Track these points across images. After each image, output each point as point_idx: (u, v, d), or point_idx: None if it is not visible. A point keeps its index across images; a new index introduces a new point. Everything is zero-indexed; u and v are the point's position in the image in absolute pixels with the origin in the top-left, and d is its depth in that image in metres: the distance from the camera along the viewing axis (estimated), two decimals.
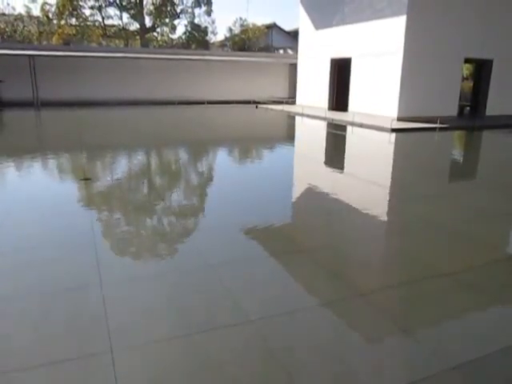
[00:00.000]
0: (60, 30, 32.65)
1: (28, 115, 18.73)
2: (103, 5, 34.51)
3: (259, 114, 20.92)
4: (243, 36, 36.53)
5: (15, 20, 31.46)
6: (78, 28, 34.00)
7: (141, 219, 5.37)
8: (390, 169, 9.06)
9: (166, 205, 6.00)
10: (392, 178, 8.20)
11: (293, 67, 25.81)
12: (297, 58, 23.56)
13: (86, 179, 7.08)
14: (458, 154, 12.02)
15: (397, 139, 12.93)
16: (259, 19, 67.14)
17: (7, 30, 30.00)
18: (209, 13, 36.27)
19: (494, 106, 18.31)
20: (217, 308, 3.15)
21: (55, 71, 22.75)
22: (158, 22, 36.31)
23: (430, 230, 5.03)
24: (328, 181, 7.72)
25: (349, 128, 15.20)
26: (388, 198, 6.65)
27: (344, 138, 13.87)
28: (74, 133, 13.37)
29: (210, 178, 8.08)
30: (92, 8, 34.25)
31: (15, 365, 2.48)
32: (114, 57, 24.01)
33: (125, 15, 35.94)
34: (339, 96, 19.97)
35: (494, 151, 11.73)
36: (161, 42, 36.19)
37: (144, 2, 35.60)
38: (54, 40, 32.36)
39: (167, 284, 3.53)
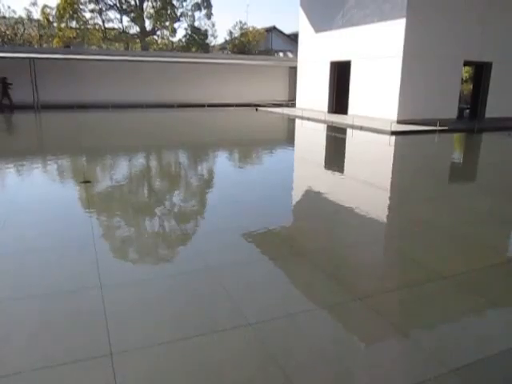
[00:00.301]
0: (60, 33, 32.72)
1: (28, 118, 18.75)
2: (103, 8, 34.62)
3: (259, 116, 20.95)
4: (243, 39, 36.61)
5: (16, 23, 31.54)
6: (78, 31, 34.08)
7: (141, 222, 5.37)
8: (390, 171, 9.07)
9: (166, 208, 6.01)
10: (392, 181, 8.21)
11: (293, 70, 25.85)
12: (296, 61, 23.61)
13: (86, 182, 7.08)
14: (457, 156, 12.04)
15: (397, 142, 12.95)
16: (259, 22, 67.39)
17: (8, 32, 30.06)
18: (209, 16, 36.37)
19: (494, 108, 18.34)
20: (216, 311, 3.15)
21: (55, 74, 22.78)
22: (158, 26, 36.39)
23: (430, 232, 5.03)
24: (328, 184, 7.73)
25: (349, 131, 15.22)
26: (388, 201, 6.66)
27: (344, 140, 13.89)
28: (73, 135, 13.39)
29: (210, 181, 8.09)
30: (92, 11, 34.35)
31: (14, 368, 2.48)
32: (114, 60, 24.06)
33: (125, 18, 36.06)
34: (339, 99, 20.01)
35: (493, 153, 11.75)
36: (161, 45, 36.27)
37: (144, 6, 35.70)
38: (55, 43, 32.44)
39: (167, 287, 3.53)
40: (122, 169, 8.93)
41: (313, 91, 21.74)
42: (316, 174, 8.52)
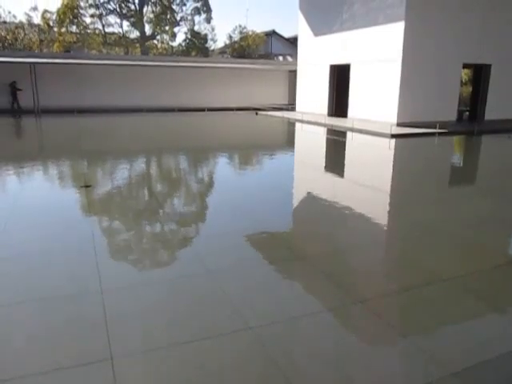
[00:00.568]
0: (61, 38, 32.83)
1: (28, 122, 18.79)
2: (104, 13, 34.75)
3: (259, 120, 20.99)
4: (243, 43, 36.68)
5: (16, 28, 31.63)
6: (78, 36, 34.19)
7: (141, 226, 5.38)
8: (390, 174, 9.07)
9: (167, 211, 6.01)
10: (392, 184, 8.21)
11: (292, 74, 25.91)
12: (296, 65, 23.66)
13: (87, 186, 7.09)
14: (457, 159, 12.05)
15: (396, 145, 12.96)
16: (259, 26, 67.59)
17: (8, 37, 30.15)
18: (208, 20, 36.49)
19: (493, 110, 18.37)
20: (217, 315, 3.15)
21: (56, 78, 22.85)
22: (157, 30, 36.51)
23: (430, 235, 5.03)
24: (328, 187, 7.73)
25: (348, 134, 15.24)
26: (389, 204, 6.66)
27: (344, 144, 13.91)
28: (74, 139, 13.42)
29: (211, 185, 8.10)
30: (92, 16, 34.48)
31: (14, 372, 2.48)
32: (114, 64, 24.13)
33: (125, 23, 36.15)
34: (339, 102, 20.05)
35: (493, 156, 11.75)
36: (161, 50, 36.37)
37: (144, 10, 35.84)
38: (55, 48, 32.53)
39: (167, 290, 3.53)
40: (122, 173, 8.93)
41: (313, 94, 21.79)
42: (316, 178, 8.53)
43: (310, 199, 6.94)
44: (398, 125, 15.79)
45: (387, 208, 6.44)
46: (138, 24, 35.85)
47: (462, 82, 19.69)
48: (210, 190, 7.74)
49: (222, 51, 39.96)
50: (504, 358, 2.70)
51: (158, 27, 36.13)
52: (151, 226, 5.39)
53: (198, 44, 36.28)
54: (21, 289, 3.50)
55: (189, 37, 36.49)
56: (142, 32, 36.25)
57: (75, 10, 33.15)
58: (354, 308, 3.29)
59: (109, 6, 34.74)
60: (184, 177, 8.86)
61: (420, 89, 16.26)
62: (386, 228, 5.49)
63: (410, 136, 14.29)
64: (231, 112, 24.78)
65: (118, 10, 35.02)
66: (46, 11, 33.11)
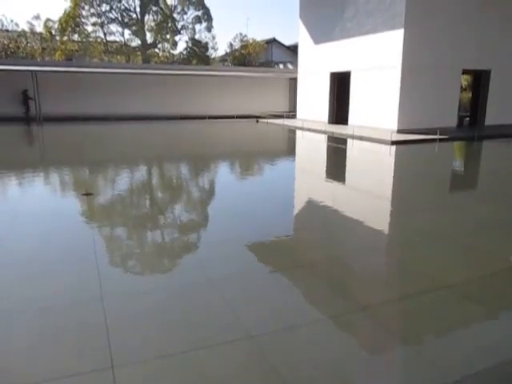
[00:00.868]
0: (63, 46, 33.06)
1: (30, 130, 18.87)
2: (105, 22, 35.02)
3: (260, 128, 21.05)
4: (243, 51, 36.88)
5: (18, 36, 31.86)
6: (80, 44, 34.43)
7: (142, 233, 5.38)
8: (391, 181, 9.08)
9: (168, 219, 6.02)
10: (393, 191, 8.21)
11: (293, 81, 26.02)
12: (297, 73, 23.77)
13: (88, 194, 7.11)
14: (458, 165, 12.06)
15: (397, 151, 12.98)
16: (259, 34, 68.01)
17: (10, 46, 30.35)
18: (209, 29, 36.75)
19: (493, 116, 18.42)
20: (218, 323, 3.14)
21: (57, 87, 22.97)
22: (159, 38, 36.76)
23: (431, 242, 5.02)
24: (329, 194, 7.74)
25: (349, 141, 15.27)
26: (389, 211, 6.66)
27: (344, 151, 13.93)
28: (75, 147, 13.45)
29: (212, 193, 8.10)
30: (94, 25, 34.75)
31: (15, 381, 2.47)
32: (115, 72, 24.28)
33: (126, 32, 36.42)
34: (339, 109, 20.11)
35: (494, 161, 11.76)
36: (162, 58, 36.58)
37: (145, 19, 36.12)
38: (57, 56, 32.73)
39: (168, 299, 3.52)
40: (123, 181, 8.95)
41: (313, 102, 21.86)
42: (317, 185, 8.54)
43: (312, 206, 6.94)
44: (399, 131, 15.83)
45: (388, 214, 6.44)
46: (139, 32, 36.11)
47: (461, 87, 19.76)
48: (212, 197, 7.75)
49: (223, 59, 40.18)
50: (506, 365, 2.68)
51: (159, 36, 36.38)
52: (152, 234, 5.39)
53: (198, 52, 36.49)
54: (21, 296, 3.49)
55: (190, 45, 36.72)
56: (144, 40, 36.51)
57: (77, 19, 33.42)
58: (356, 316, 3.28)
59: (110, 15, 35.04)
60: (185, 184, 8.87)
61: (420, 95, 16.32)
62: (387, 234, 5.48)
63: (411, 142, 14.32)
64: (232, 120, 24.87)
65: (120, 18, 35.30)
66: (48, 20, 33.39)
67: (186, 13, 36.26)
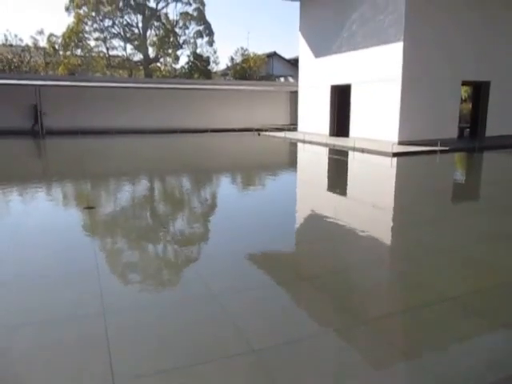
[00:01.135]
0: (66, 61, 33.42)
1: (33, 143, 18.97)
2: (108, 36, 35.46)
3: (261, 141, 21.13)
4: (244, 65, 37.20)
5: (22, 51, 32.23)
6: (83, 58, 34.82)
7: (144, 247, 5.37)
8: (393, 193, 9.07)
9: (169, 233, 6.01)
10: (395, 203, 8.20)
11: (294, 95, 26.18)
12: (297, 86, 23.93)
13: (90, 208, 7.11)
14: (459, 176, 12.06)
15: (398, 163, 12.99)
16: (260, 48, 68.66)
17: (14, 60, 30.69)
18: (211, 43, 37.15)
19: (494, 126, 18.48)
20: (219, 337, 3.11)
21: (60, 101, 23.14)
22: (161, 53, 37.16)
23: (433, 254, 5.00)
24: (331, 206, 7.73)
25: (350, 153, 15.30)
26: (391, 223, 6.64)
27: (346, 163, 13.95)
28: (78, 161, 13.50)
29: (214, 205, 8.10)
30: (97, 39, 35.20)
31: None
32: (118, 87, 24.48)
33: (129, 46, 36.87)
34: (340, 122, 20.18)
35: (495, 172, 11.76)
36: (164, 72, 36.91)
37: (147, 34, 36.56)
38: (60, 70, 33.07)
39: (169, 312, 3.50)
40: (125, 194, 8.96)
41: (314, 115, 21.97)
42: (319, 197, 8.53)
43: (314, 218, 6.93)
44: (400, 143, 15.86)
45: (390, 227, 6.42)
46: (141, 47, 36.52)
47: (461, 99, 19.85)
48: (214, 209, 7.75)
49: (224, 73, 40.53)
50: (510, 379, 2.64)
51: (161, 50, 36.79)
52: (154, 248, 5.38)
53: (200, 66, 36.82)
54: (21, 310, 3.48)
55: (191, 59, 37.07)
56: (146, 55, 36.91)
57: (80, 34, 33.86)
58: (358, 329, 3.25)
59: (113, 30, 35.50)
60: (187, 197, 8.88)
61: (420, 107, 16.40)
62: (389, 247, 5.46)
63: (412, 154, 14.34)
64: (233, 133, 24.98)
65: (122, 33, 35.74)
66: (51, 35, 33.83)
67: (187, 28, 36.73)
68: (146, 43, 36.62)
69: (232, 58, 38.74)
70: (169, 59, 37.42)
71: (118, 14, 34.70)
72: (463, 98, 23.56)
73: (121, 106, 24.50)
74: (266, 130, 24.50)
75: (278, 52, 42.21)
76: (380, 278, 4.43)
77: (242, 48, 38.69)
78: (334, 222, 6.53)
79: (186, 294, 3.88)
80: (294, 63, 36.06)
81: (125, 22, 35.52)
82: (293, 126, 25.18)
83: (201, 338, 3.11)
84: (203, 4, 36.09)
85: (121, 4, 34.20)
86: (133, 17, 35.65)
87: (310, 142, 18.59)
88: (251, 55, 37.91)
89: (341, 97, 19.91)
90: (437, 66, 16.39)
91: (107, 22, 34.94)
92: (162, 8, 36.33)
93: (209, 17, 36.97)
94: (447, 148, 14.95)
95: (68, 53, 33.66)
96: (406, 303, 3.75)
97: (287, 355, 2.89)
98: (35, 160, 14.75)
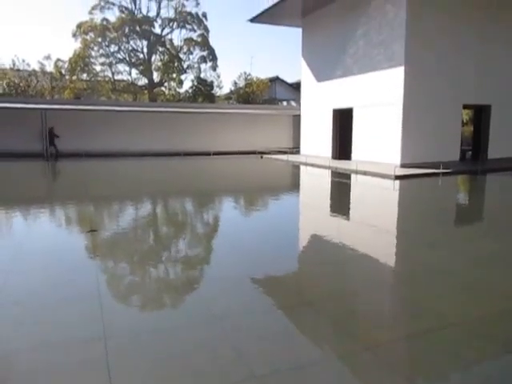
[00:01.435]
0: (72, 85, 34.02)
1: (38, 166, 19.13)
2: (113, 61, 36.17)
3: (264, 164, 21.23)
4: (248, 89, 37.74)
5: (29, 75, 32.84)
6: (88, 83, 35.44)
7: (146, 271, 5.34)
8: (396, 216, 9.05)
9: (171, 256, 5.99)
10: (397, 226, 8.17)
11: (296, 118, 26.45)
12: (300, 109, 24.20)
13: (93, 231, 7.12)
14: (462, 199, 12.02)
15: (401, 186, 13.00)
16: (263, 72, 69.72)
17: (21, 84, 31.24)
18: (214, 68, 37.81)
19: (496, 149, 18.54)
20: (221, 363, 3.07)
21: (66, 124, 23.44)
22: (165, 77, 37.80)
23: (438, 278, 4.94)
24: (334, 229, 7.70)
25: (353, 176, 15.34)
26: (394, 246, 6.60)
27: (348, 186, 13.97)
28: (82, 183, 13.58)
29: (217, 228, 8.10)
30: (103, 64, 35.92)
31: None
32: (122, 110, 24.83)
33: (134, 71, 37.57)
34: (342, 145, 20.31)
35: (499, 195, 11.72)
36: (168, 96, 37.45)
37: (152, 59, 37.29)
38: (66, 94, 33.63)
39: (171, 337, 3.46)
40: (128, 217, 8.98)
41: (316, 138, 22.14)
42: (322, 220, 8.52)
43: (316, 242, 6.90)
44: (402, 166, 15.92)
45: (394, 250, 6.38)
46: (146, 72, 37.19)
47: (463, 121, 19.99)
48: (216, 232, 7.74)
49: (228, 97, 41.08)
50: None
51: (166, 75, 37.44)
52: (156, 271, 5.35)
53: (204, 90, 37.37)
54: (22, 333, 3.44)
55: (195, 84, 37.66)
56: (150, 79, 37.54)
57: (86, 59, 34.56)
58: (362, 355, 3.19)
59: (118, 55, 36.25)
60: (190, 220, 8.88)
61: (422, 130, 16.51)
62: (393, 270, 5.42)
63: (414, 177, 14.36)
64: (237, 155, 25.14)
65: (128, 58, 36.48)
66: (58, 60, 34.55)
67: (191, 53, 37.47)
68: (151, 68, 37.32)
69: (235, 83, 39.36)
70: (173, 83, 38.04)
71: (124, 39, 35.49)
72: (464, 120, 23.73)
73: (125, 130, 24.76)
74: (268, 153, 24.66)
75: (281, 76, 42.94)
76: (382, 303, 4.38)
77: (245, 72, 39.35)
78: (336, 245, 6.50)
79: (188, 317, 3.84)
80: (296, 87, 36.59)
81: (130, 48, 36.32)
82: (295, 149, 25.35)
83: (201, 362, 3.06)
84: (207, 30, 36.93)
85: (126, 30, 35.01)
86: (138, 42, 36.48)
87: (313, 165, 18.66)
88: (254, 79, 38.50)
89: (343, 120, 20.10)
90: (437, 89, 16.58)
91: (113, 48, 35.75)
92: (167, 34, 37.22)
93: (212, 42, 37.77)
94: (449, 170, 14.99)
95: (74, 77, 34.30)
96: (410, 329, 3.69)
97: (289, 382, 2.84)
98: (46, 182, 14.83)
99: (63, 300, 4.18)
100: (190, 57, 37.58)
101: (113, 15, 35.75)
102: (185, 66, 37.61)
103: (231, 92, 40.42)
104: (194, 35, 37.02)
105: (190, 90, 37.81)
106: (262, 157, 23.62)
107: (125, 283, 4.84)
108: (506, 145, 18.83)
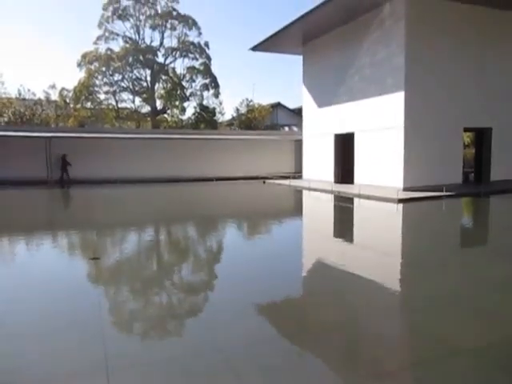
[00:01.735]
0: (76, 113, 34.52)
1: (41, 193, 19.21)
2: (117, 90, 36.78)
3: (267, 189, 21.27)
4: (249, 115, 38.16)
5: (34, 104, 33.37)
6: (92, 111, 35.97)
7: (149, 300, 5.27)
8: (400, 240, 8.97)
9: (174, 283, 5.93)
10: (403, 250, 8.09)
11: (298, 143, 26.64)
12: (301, 135, 24.39)
13: (95, 258, 7.08)
14: (468, 221, 11.94)
15: (404, 209, 12.95)
16: (264, 99, 70.69)
17: (26, 113, 31.70)
18: (216, 95, 38.34)
19: (499, 171, 18.53)
20: None
21: (70, 151, 23.69)
22: (168, 105, 38.33)
23: (445, 303, 4.85)
24: (338, 254, 7.63)
25: (356, 200, 15.32)
26: (400, 271, 6.51)
27: (352, 210, 13.93)
28: (84, 210, 13.59)
29: (220, 254, 8.03)
30: (107, 93, 36.50)
31: None
32: (126, 138, 25.10)
33: (137, 99, 38.16)
34: (344, 169, 20.38)
35: (503, 217, 11.64)
36: (171, 123, 37.88)
37: (155, 87, 37.91)
38: (70, 122, 34.08)
39: (174, 367, 3.38)
40: (131, 244, 8.94)
41: (318, 162, 22.23)
42: (326, 245, 8.45)
43: (321, 267, 6.82)
44: (405, 189, 15.90)
45: (400, 275, 6.29)
46: (149, 100, 37.75)
47: (464, 144, 20.05)
48: (220, 258, 7.67)
49: (230, 123, 41.52)
50: None
51: (169, 102, 37.97)
52: (159, 300, 5.28)
53: (206, 117, 37.82)
54: (23, 363, 3.37)
55: (198, 110, 38.14)
56: (153, 107, 38.06)
57: (91, 88, 35.17)
58: None
59: (122, 84, 36.87)
60: (194, 246, 8.82)
61: (424, 153, 16.56)
62: (398, 296, 5.32)
63: (417, 200, 14.32)
64: (239, 181, 25.21)
65: (131, 87, 37.09)
66: (63, 89, 35.16)
67: (194, 81, 38.08)
68: (154, 96, 37.89)
69: (237, 109, 39.84)
70: (176, 111, 38.52)
71: (128, 68, 36.18)
72: (466, 143, 23.84)
73: (129, 157, 24.96)
74: (271, 178, 24.74)
75: (282, 102, 43.50)
76: (390, 330, 4.29)
77: (247, 99, 39.90)
78: (341, 271, 6.42)
79: (190, 346, 3.76)
80: (297, 112, 37.01)
81: (134, 77, 36.98)
82: (298, 174, 25.44)
83: None
84: (209, 59, 37.65)
85: (130, 60, 35.74)
86: (142, 71, 37.16)
87: (316, 190, 18.67)
88: (256, 105, 38.98)
89: (344, 144, 20.23)
90: (438, 113, 16.71)
91: (117, 77, 36.39)
92: (170, 63, 37.94)
93: (214, 70, 38.43)
94: (453, 193, 14.95)
95: (78, 106, 34.83)
96: (420, 356, 3.60)
97: None
98: (39, 209, 14.86)
99: (64, 330, 4.10)
100: (193, 84, 38.22)
101: (117, 45, 36.50)
102: (187, 94, 38.18)
103: (233, 118, 40.88)
104: (197, 64, 37.76)
105: (193, 117, 38.27)
106: (264, 182, 23.68)
107: (127, 312, 4.77)
108: (509, 167, 18.85)
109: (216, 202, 16.85)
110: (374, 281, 5.81)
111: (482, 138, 18.91)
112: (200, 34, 37.40)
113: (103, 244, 8.79)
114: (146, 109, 38.77)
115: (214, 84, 37.79)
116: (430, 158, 16.69)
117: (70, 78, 71.85)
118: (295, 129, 38.00)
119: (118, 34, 36.15)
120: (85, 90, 34.55)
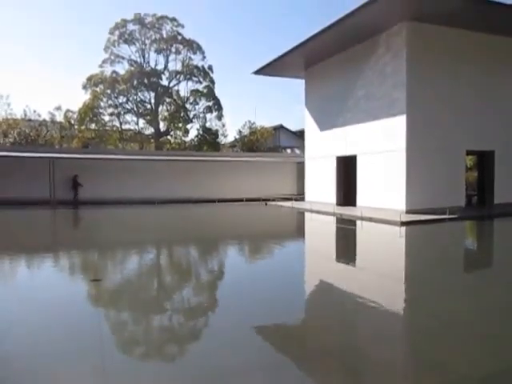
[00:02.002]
0: (80, 134, 34.87)
1: (45, 214, 19.22)
2: (121, 112, 37.24)
3: (269, 210, 21.25)
4: (252, 137, 38.45)
5: (39, 125, 33.75)
6: (96, 132, 36.35)
7: (150, 323, 5.21)
8: (404, 263, 8.90)
9: (175, 306, 5.88)
10: (406, 273, 8.01)
11: (300, 165, 26.74)
12: (303, 157, 24.50)
13: (96, 280, 7.04)
14: (472, 245, 11.86)
15: (407, 232, 12.88)
16: (267, 121, 71.36)
17: (31, 134, 32.03)
18: (219, 117, 38.79)
19: (502, 194, 18.45)
20: None
21: (74, 172, 23.83)
22: (171, 127, 38.72)
23: (451, 329, 4.78)
24: (341, 277, 7.56)
25: (358, 222, 15.26)
26: (404, 295, 6.44)
27: (354, 232, 13.87)
28: (86, 231, 13.58)
29: (222, 277, 7.98)
30: (111, 115, 36.97)
31: None
32: (129, 159, 25.28)
33: (141, 121, 38.59)
34: (347, 191, 20.37)
35: (508, 240, 11.54)
36: (174, 145, 38.18)
37: (159, 109, 38.38)
38: (74, 143, 34.40)
39: None
40: (132, 265, 8.89)
41: (321, 185, 22.25)
42: (328, 268, 8.38)
43: (324, 290, 6.76)
44: (407, 212, 15.85)
45: (403, 299, 6.22)
46: (153, 121, 38.19)
47: (467, 167, 20.06)
48: (221, 281, 7.61)
49: (233, 145, 41.80)
50: None
51: (172, 124, 38.38)
52: (160, 321, 5.22)
53: (209, 139, 38.13)
54: None
55: (201, 133, 38.51)
56: (157, 129, 38.47)
57: (95, 110, 35.64)
58: None
59: (127, 106, 37.38)
60: (195, 268, 8.77)
61: (426, 176, 16.57)
62: (403, 321, 5.25)
63: (420, 223, 14.26)
64: (241, 203, 25.22)
65: (135, 109, 37.57)
66: (68, 110, 35.64)
67: (197, 103, 38.59)
68: (158, 118, 38.34)
69: (240, 131, 40.17)
70: (179, 132, 38.89)
71: (132, 91, 36.74)
72: (468, 165, 23.87)
73: (132, 178, 25.05)
74: (273, 200, 24.74)
75: (285, 124, 43.87)
76: (395, 356, 4.21)
77: (249, 121, 40.26)
78: (344, 294, 6.35)
79: (191, 370, 3.70)
80: (299, 135, 37.27)
81: (138, 99, 37.52)
82: (300, 196, 25.45)
83: None
84: (213, 82, 38.22)
85: (135, 82, 36.31)
86: (146, 94, 37.72)
87: (318, 212, 18.64)
88: (258, 128, 39.31)
89: (346, 167, 20.28)
90: (440, 136, 16.77)
91: (121, 99, 36.94)
92: (174, 86, 38.52)
93: (218, 93, 38.93)
94: (456, 216, 14.90)
95: (83, 127, 35.22)
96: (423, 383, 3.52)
97: None
98: (41, 230, 14.86)
99: (65, 354, 4.05)
100: (196, 107, 38.71)
101: (122, 68, 37.19)
102: (191, 116, 38.62)
103: (236, 140, 41.19)
104: (200, 87, 38.33)
105: (196, 139, 38.58)
106: (266, 204, 23.68)
107: (127, 335, 4.73)
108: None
109: (218, 223, 16.82)
110: (378, 304, 5.72)
111: (484, 161, 18.94)
112: (204, 57, 38.13)
113: (103, 265, 8.74)
114: (150, 130, 39.19)
115: (217, 106, 38.27)
116: (432, 181, 16.69)
117: (76, 99, 72.93)
118: (297, 151, 38.22)
119: (123, 58, 36.88)
120: (89, 111, 35.01)
